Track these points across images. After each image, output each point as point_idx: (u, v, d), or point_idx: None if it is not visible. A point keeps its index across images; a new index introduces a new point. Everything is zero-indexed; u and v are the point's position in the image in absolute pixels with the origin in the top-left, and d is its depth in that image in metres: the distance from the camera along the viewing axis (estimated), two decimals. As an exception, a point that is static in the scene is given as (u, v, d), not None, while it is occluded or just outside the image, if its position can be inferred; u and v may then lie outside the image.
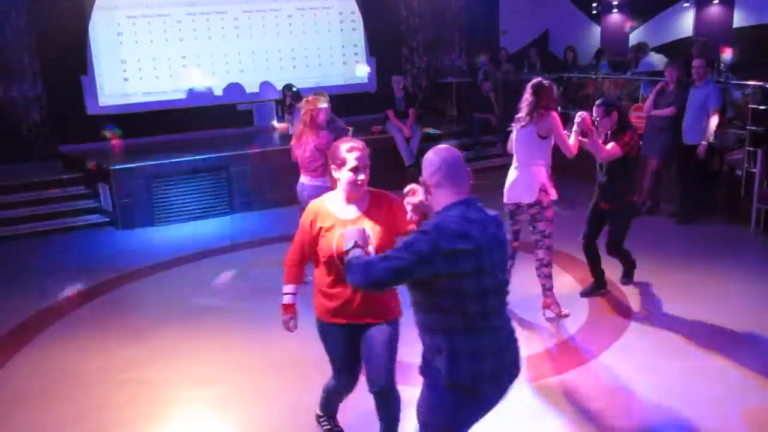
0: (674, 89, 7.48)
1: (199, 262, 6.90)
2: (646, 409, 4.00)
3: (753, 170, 7.10)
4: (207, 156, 8.84)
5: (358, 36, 11.72)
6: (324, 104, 5.82)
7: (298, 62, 11.25)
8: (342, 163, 3.11)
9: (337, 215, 3.16)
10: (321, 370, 4.48)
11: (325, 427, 3.71)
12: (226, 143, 9.58)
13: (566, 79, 10.00)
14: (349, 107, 10.54)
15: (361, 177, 3.11)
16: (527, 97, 5.00)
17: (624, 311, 5.32)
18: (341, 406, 3.70)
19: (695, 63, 7.30)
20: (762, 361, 4.48)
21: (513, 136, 5.15)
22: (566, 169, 6.40)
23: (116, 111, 9.98)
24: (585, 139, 5.12)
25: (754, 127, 7.15)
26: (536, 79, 5.12)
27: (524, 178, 5.01)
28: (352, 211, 3.17)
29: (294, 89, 8.91)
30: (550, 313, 5.23)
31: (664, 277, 5.94)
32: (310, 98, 5.95)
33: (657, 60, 9.67)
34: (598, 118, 5.11)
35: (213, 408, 4.24)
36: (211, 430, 4.02)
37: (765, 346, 4.71)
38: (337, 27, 11.59)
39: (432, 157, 2.60)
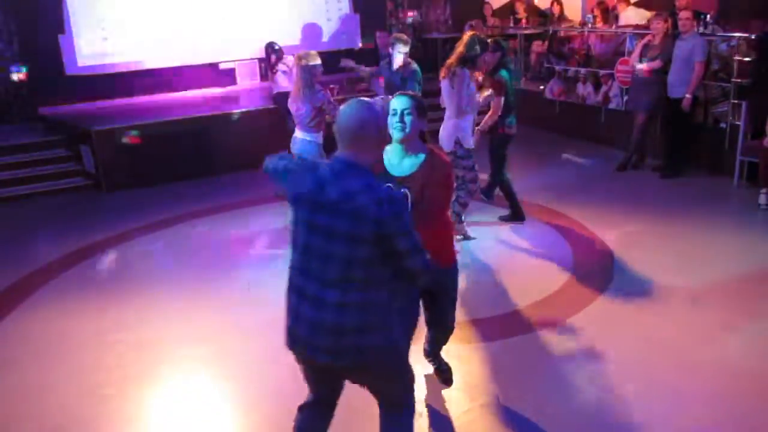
0: (660, 42, 7.42)
1: (184, 224, 6.87)
2: (629, 362, 4.08)
3: (737, 123, 7.13)
4: (190, 116, 8.73)
5: (342, -9, 11.51)
6: (318, 60, 5.83)
7: (281, 18, 11.04)
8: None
9: (390, 170, 3.20)
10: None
11: (434, 366, 3.91)
12: (208, 103, 9.46)
13: (552, 33, 9.91)
14: (333, 64, 10.40)
15: (397, 121, 3.13)
16: (459, 48, 5.46)
17: (608, 264, 5.38)
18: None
19: (682, 15, 7.24)
20: (744, 310, 4.58)
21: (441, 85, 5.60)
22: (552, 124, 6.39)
23: (95, 71, 9.79)
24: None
25: (739, 80, 7.15)
26: (473, 33, 5.60)
27: (444, 130, 5.48)
28: (405, 168, 3.19)
29: (277, 47, 8.76)
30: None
31: (649, 230, 6.02)
32: (302, 53, 5.89)
33: (633, 14, 9.61)
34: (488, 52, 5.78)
35: (204, 367, 4.27)
36: (203, 389, 4.06)
37: (747, 295, 4.79)
38: (320, -18, 11.36)
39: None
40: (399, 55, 6.53)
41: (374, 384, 2.78)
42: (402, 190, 3.11)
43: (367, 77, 7.68)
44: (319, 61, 5.78)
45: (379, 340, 2.56)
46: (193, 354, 4.40)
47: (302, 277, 2.55)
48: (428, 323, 3.64)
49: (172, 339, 4.60)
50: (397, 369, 2.75)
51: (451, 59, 5.49)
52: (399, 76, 6.59)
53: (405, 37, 6.62)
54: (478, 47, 5.45)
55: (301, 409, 2.92)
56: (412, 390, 2.87)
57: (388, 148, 3.22)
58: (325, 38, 11.25)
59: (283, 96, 8.79)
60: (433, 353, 3.89)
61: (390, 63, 6.78)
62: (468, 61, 5.42)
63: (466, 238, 5.93)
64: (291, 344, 2.64)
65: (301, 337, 2.57)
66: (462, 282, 5.08)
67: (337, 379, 2.83)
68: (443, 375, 3.91)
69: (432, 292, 3.44)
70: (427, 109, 3.26)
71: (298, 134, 5.90)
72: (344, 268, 2.45)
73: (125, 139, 7.97)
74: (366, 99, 2.61)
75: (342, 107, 2.57)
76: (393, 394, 2.81)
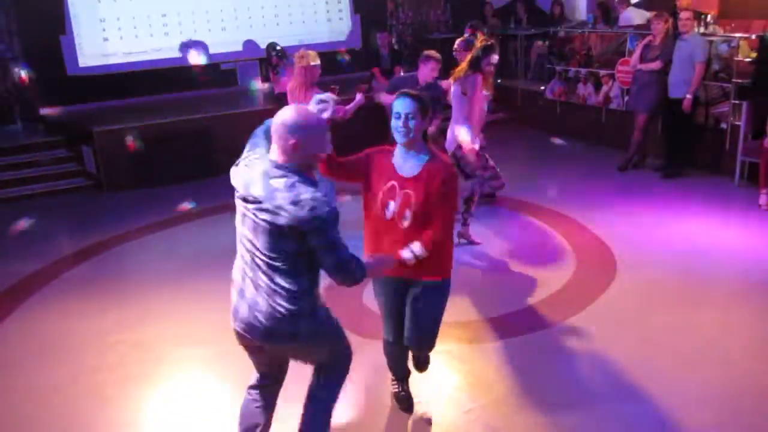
0: (661, 42, 7.43)
1: (185, 224, 6.88)
2: (630, 362, 4.08)
3: (738, 123, 7.13)
4: (191, 117, 8.74)
5: (342, -9, 11.52)
6: (318, 61, 5.80)
7: (281, 19, 11.05)
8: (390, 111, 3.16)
9: (397, 169, 3.14)
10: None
11: (392, 389, 3.72)
12: (209, 104, 9.46)
13: (552, 34, 9.91)
14: (334, 65, 10.39)
15: (401, 126, 3.07)
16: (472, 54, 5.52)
17: (609, 265, 5.38)
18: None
19: (682, 15, 7.25)
20: (746, 311, 4.58)
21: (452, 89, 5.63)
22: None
23: (97, 72, 9.81)
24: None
25: (740, 81, 7.15)
26: (487, 40, 5.60)
27: (450, 132, 5.61)
28: (408, 169, 3.13)
29: (278, 47, 8.78)
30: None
31: (650, 230, 6.02)
32: (302, 53, 5.88)
33: (635, 15, 9.62)
34: (459, 50, 6.16)
35: (205, 367, 4.28)
36: (204, 389, 4.06)
37: (749, 295, 4.80)
38: (321, -18, 11.37)
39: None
40: (430, 72, 6.19)
41: (307, 358, 3.01)
42: (404, 191, 3.11)
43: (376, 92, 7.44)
44: (318, 62, 5.78)
45: (308, 324, 2.75)
46: (195, 354, 4.41)
47: (242, 263, 2.80)
48: (405, 339, 3.38)
49: (173, 339, 4.61)
50: (326, 342, 2.93)
51: (463, 64, 5.50)
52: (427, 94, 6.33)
53: (438, 56, 6.24)
54: (480, 52, 5.44)
55: (249, 389, 3.13)
56: (346, 358, 3.05)
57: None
58: (325, 39, 11.26)
59: (285, 96, 8.83)
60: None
61: (416, 79, 6.29)
62: (476, 64, 5.43)
63: (471, 243, 5.89)
64: (234, 321, 2.84)
65: (243, 317, 2.79)
66: (463, 283, 5.12)
67: (277, 356, 3.01)
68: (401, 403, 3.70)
69: (413, 305, 3.28)
70: (430, 107, 3.17)
71: None
72: (270, 259, 2.66)
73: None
74: (304, 106, 2.77)
75: (281, 110, 2.70)
76: (324, 362, 3.02)
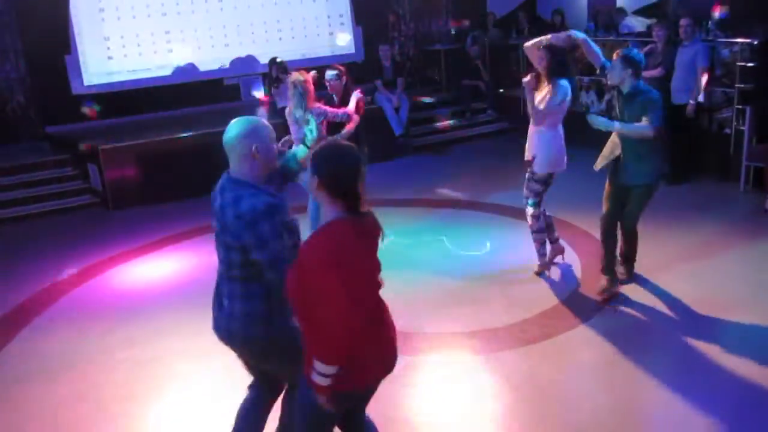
0: (662, 49, 7.44)
1: (192, 241, 6.89)
2: (637, 373, 4.05)
3: (742, 128, 7.12)
4: (196, 132, 8.78)
5: (344, 5, 11.57)
6: (309, 78, 5.85)
7: (283, 34, 11.12)
8: None
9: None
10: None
11: None
12: (214, 119, 9.49)
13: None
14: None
15: None
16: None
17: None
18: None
19: (682, 22, 7.26)
20: (755, 318, 4.54)
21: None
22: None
23: (102, 90, 9.87)
24: None
25: (742, 85, 7.14)
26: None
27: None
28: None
29: (280, 61, 8.83)
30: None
31: (656, 238, 5.98)
32: (295, 75, 5.94)
33: (636, 22, 9.66)
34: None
35: (212, 380, 4.27)
36: (212, 401, 4.05)
37: (758, 302, 4.76)
38: (322, -4, 11.43)
39: None
40: None
41: (271, 369, 3.06)
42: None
43: None
44: (309, 78, 5.84)
45: (261, 332, 2.83)
46: (202, 369, 4.40)
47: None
48: None
49: (180, 355, 4.60)
50: (284, 357, 2.90)
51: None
52: None
53: None
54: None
55: (247, 388, 3.21)
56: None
57: None
58: (327, 52, 11.30)
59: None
60: None
61: None
62: None
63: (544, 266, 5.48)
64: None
65: (214, 317, 3.01)
66: (468, 294, 5.11)
67: (249, 365, 3.13)
68: None
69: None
70: None
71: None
72: (227, 268, 2.84)
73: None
74: (251, 117, 2.87)
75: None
76: (289, 377, 3.01)
